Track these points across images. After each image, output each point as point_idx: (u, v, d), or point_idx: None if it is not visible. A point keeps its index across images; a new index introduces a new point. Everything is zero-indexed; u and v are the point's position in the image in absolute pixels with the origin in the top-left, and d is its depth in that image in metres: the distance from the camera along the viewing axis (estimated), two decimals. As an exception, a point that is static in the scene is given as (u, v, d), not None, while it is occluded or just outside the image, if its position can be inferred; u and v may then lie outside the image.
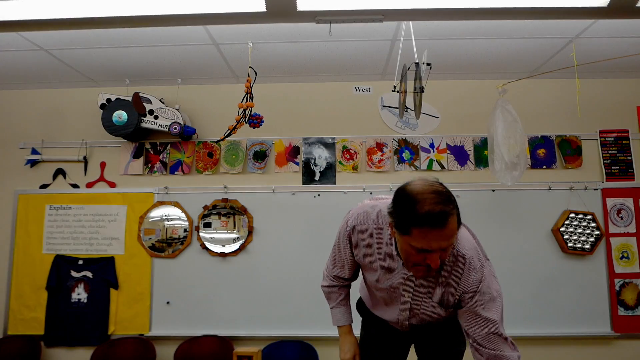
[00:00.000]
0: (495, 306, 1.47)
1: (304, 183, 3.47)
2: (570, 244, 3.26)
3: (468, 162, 3.44)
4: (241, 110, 2.82)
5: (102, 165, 3.56)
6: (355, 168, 3.46)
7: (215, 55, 3.08)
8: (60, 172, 3.56)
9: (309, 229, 3.37)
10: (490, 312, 1.46)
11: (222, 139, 2.96)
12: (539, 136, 3.47)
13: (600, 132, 3.47)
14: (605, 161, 3.43)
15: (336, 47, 2.97)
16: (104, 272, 3.39)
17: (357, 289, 1.99)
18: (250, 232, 3.40)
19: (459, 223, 1.34)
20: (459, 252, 1.48)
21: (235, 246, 3.39)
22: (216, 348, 3.23)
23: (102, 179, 3.55)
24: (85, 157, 3.55)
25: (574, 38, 2.83)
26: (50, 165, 3.57)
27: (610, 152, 3.44)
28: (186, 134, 3.40)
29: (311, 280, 3.29)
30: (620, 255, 3.30)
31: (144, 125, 3.34)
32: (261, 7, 1.91)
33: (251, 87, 2.84)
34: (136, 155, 3.53)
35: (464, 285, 1.49)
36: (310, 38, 2.83)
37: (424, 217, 1.26)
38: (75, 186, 3.54)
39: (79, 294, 3.39)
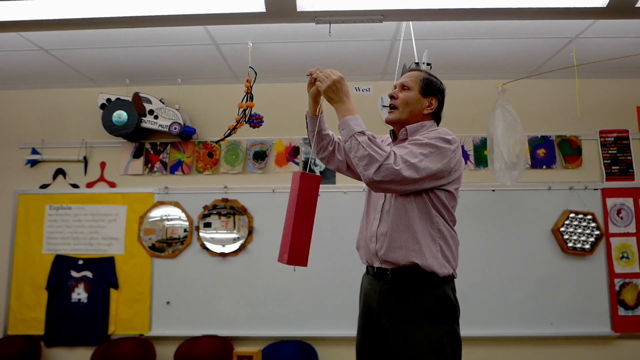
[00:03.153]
0: (417, 144, 1.62)
1: (304, 183, 3.47)
2: (570, 244, 3.26)
3: (468, 162, 3.44)
4: (241, 110, 2.82)
5: (102, 165, 3.56)
6: (355, 168, 3.46)
7: (215, 55, 3.08)
8: (60, 172, 3.56)
9: (309, 229, 3.36)
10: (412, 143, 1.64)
11: (222, 139, 2.96)
12: (539, 136, 3.47)
13: (600, 132, 3.47)
14: (605, 161, 3.43)
15: (336, 47, 2.97)
16: (104, 272, 3.40)
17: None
18: (250, 232, 3.40)
19: (424, 86, 1.75)
20: (425, 126, 1.79)
21: (235, 246, 3.39)
22: (216, 348, 3.23)
23: (102, 179, 3.55)
24: (85, 157, 3.55)
25: (574, 38, 2.83)
26: (50, 165, 3.57)
27: (610, 152, 3.44)
28: (186, 134, 3.40)
29: (311, 280, 3.30)
30: (620, 255, 3.30)
31: (144, 125, 3.34)
32: (261, 7, 1.92)
33: (251, 87, 2.84)
34: (136, 155, 3.54)
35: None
36: (310, 38, 2.83)
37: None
38: (75, 186, 3.54)
39: (79, 294, 3.39)
